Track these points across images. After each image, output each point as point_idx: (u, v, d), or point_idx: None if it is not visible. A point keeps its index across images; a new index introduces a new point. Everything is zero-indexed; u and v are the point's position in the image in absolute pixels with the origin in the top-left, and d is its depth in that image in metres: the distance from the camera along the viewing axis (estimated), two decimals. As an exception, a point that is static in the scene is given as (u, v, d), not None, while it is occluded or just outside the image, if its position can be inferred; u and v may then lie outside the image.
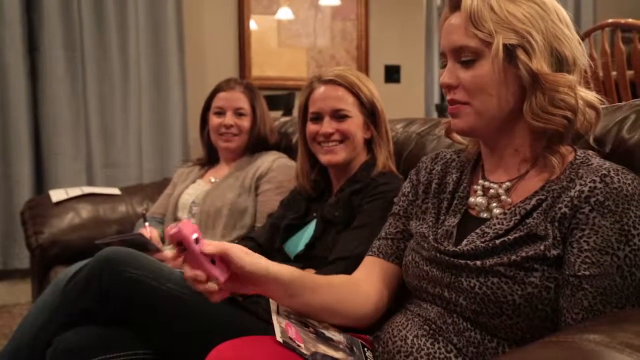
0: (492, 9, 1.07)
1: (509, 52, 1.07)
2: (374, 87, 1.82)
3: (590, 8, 5.56)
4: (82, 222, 2.59)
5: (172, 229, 1.05)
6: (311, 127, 1.80)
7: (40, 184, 3.44)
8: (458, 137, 1.29)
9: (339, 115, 1.76)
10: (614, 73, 2.85)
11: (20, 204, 2.96)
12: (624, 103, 1.26)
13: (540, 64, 1.06)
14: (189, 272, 1.08)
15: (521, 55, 1.06)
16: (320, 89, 1.79)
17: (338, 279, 1.32)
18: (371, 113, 1.80)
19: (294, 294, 1.19)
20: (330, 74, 1.80)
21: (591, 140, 1.15)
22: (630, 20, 2.82)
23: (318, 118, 1.79)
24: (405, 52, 4.34)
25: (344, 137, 1.77)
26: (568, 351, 0.74)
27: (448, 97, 1.15)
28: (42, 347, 1.39)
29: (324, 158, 1.79)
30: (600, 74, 2.83)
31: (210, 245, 1.07)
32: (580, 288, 0.99)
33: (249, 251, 1.14)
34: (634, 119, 1.18)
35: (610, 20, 2.94)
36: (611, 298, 0.98)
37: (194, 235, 1.06)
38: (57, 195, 2.67)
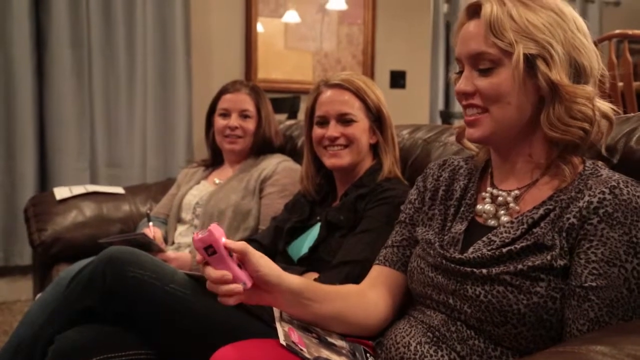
0: (512, 17, 1.07)
1: (529, 61, 1.06)
2: (380, 92, 1.83)
3: (597, 19, 5.57)
4: (86, 220, 2.58)
5: (200, 233, 1.07)
6: (317, 131, 1.81)
7: (44, 181, 3.43)
8: (469, 144, 1.27)
9: (344, 120, 1.77)
10: (620, 84, 2.84)
11: (23, 200, 2.95)
12: (632, 114, 1.26)
13: (560, 75, 1.06)
14: (214, 273, 1.08)
15: (541, 65, 1.06)
16: (327, 93, 1.80)
17: (346, 289, 1.31)
18: (377, 118, 1.80)
19: (303, 304, 1.19)
20: (337, 78, 1.81)
21: (603, 151, 1.15)
22: (637, 31, 2.82)
23: (324, 122, 1.80)
24: (411, 58, 4.34)
25: (349, 142, 1.77)
26: (575, 362, 0.74)
27: (464, 103, 1.14)
28: (43, 344, 1.38)
29: (328, 162, 1.79)
30: (607, 84, 2.83)
31: (233, 243, 1.08)
32: (587, 299, 0.99)
33: (264, 256, 1.14)
34: (643, 130, 1.18)
35: (617, 31, 2.94)
36: (617, 310, 0.97)
37: (223, 239, 1.08)
38: (60, 192, 2.67)
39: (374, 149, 1.83)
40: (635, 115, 1.25)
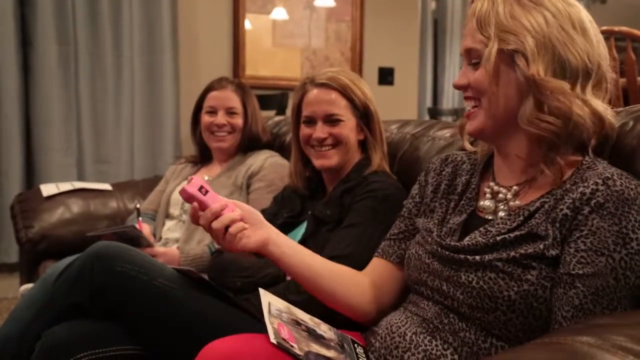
0: (498, 13, 1.10)
1: (509, 56, 1.09)
2: (367, 88, 1.82)
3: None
4: (73, 216, 2.58)
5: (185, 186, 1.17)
6: (304, 131, 1.80)
7: (30, 178, 3.41)
8: (467, 145, 1.32)
9: (331, 120, 1.76)
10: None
11: (9, 197, 2.94)
12: (622, 109, 1.26)
13: (537, 69, 1.07)
14: (216, 206, 1.19)
15: (518, 60, 1.08)
16: (314, 92, 1.78)
17: (344, 269, 1.37)
18: (364, 115, 1.79)
19: (302, 255, 1.31)
20: (322, 77, 1.79)
21: (589, 152, 1.13)
22: (624, 28, 2.84)
23: (311, 122, 1.78)
24: (399, 55, 4.35)
25: (337, 142, 1.76)
26: (560, 353, 0.74)
27: (464, 96, 1.19)
28: (30, 340, 1.38)
29: (317, 162, 1.79)
30: (606, 84, 2.84)
31: (252, 240, 1.23)
32: (573, 286, 1.00)
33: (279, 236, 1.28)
34: (632, 125, 1.18)
35: (604, 28, 2.95)
36: (602, 299, 0.98)
37: (199, 187, 1.16)
38: (47, 189, 2.66)
39: (362, 144, 1.83)
40: (625, 109, 1.25)
